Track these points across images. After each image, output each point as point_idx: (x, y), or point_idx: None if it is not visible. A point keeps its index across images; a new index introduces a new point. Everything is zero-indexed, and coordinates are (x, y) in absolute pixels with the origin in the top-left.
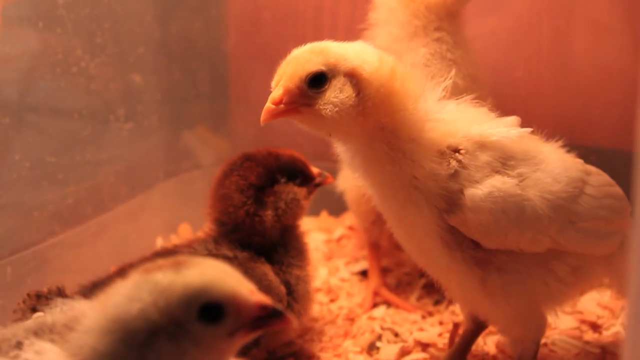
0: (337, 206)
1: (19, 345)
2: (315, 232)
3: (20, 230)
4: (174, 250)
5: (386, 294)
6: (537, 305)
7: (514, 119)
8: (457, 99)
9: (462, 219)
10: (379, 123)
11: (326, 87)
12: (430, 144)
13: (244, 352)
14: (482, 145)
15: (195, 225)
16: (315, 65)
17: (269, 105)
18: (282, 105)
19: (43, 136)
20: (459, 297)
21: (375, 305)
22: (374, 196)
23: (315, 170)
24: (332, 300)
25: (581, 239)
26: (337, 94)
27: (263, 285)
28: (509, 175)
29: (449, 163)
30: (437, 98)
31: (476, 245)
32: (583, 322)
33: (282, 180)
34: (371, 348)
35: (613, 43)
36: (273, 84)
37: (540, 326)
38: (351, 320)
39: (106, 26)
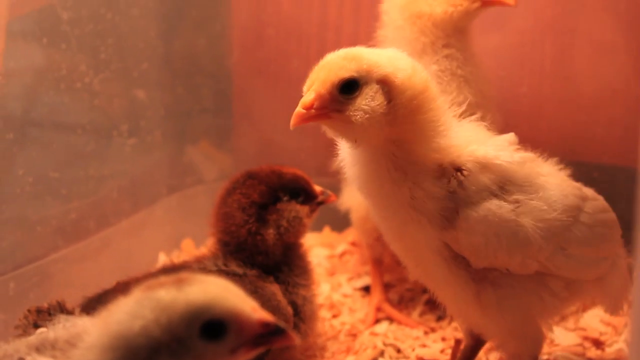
0: (339, 222)
1: None
2: (318, 247)
3: (23, 245)
4: (182, 266)
5: (388, 309)
6: (532, 319)
7: (511, 136)
8: (466, 117)
9: (454, 237)
10: (398, 135)
11: (357, 93)
12: (433, 163)
13: None
14: (485, 167)
15: (198, 240)
16: (348, 71)
17: (299, 109)
18: (312, 110)
19: (46, 151)
20: (456, 311)
21: (377, 321)
22: (373, 213)
23: (318, 188)
24: (334, 316)
25: (570, 264)
26: (368, 102)
27: (272, 305)
28: (505, 200)
29: (449, 181)
30: (451, 115)
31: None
32: (586, 338)
33: (285, 198)
34: None
35: (615, 61)
36: (305, 88)
37: (537, 340)
38: (353, 336)
39: (110, 42)
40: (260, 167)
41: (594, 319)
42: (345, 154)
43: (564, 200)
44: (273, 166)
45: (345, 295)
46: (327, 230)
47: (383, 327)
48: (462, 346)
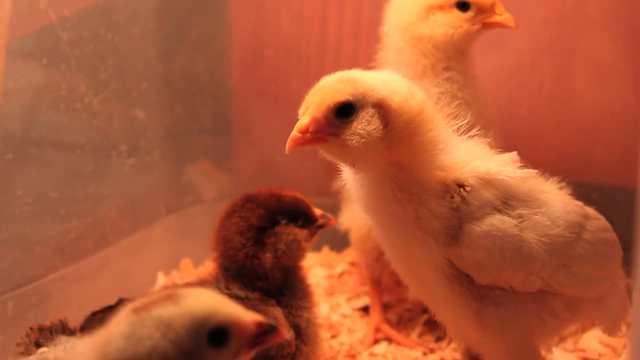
0: (338, 242)
1: None
2: (317, 267)
3: (22, 265)
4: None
5: (387, 330)
6: (531, 340)
7: (514, 155)
8: (467, 136)
9: (458, 253)
10: (398, 158)
11: (353, 117)
12: (437, 182)
13: None
14: (488, 183)
15: (197, 260)
16: (343, 95)
17: (295, 133)
18: (308, 134)
19: (46, 171)
20: (456, 330)
21: (376, 341)
22: (377, 234)
23: (318, 211)
24: (333, 337)
25: (573, 282)
26: (364, 126)
27: None
28: (509, 215)
29: (452, 197)
30: (451, 132)
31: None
32: None
33: (283, 221)
34: None
35: (614, 82)
36: (300, 112)
37: None
38: (352, 356)
39: (110, 62)
40: (260, 190)
41: (593, 340)
42: (349, 176)
43: (566, 217)
44: (273, 189)
45: (344, 316)
46: (326, 250)
47: (382, 347)
48: None
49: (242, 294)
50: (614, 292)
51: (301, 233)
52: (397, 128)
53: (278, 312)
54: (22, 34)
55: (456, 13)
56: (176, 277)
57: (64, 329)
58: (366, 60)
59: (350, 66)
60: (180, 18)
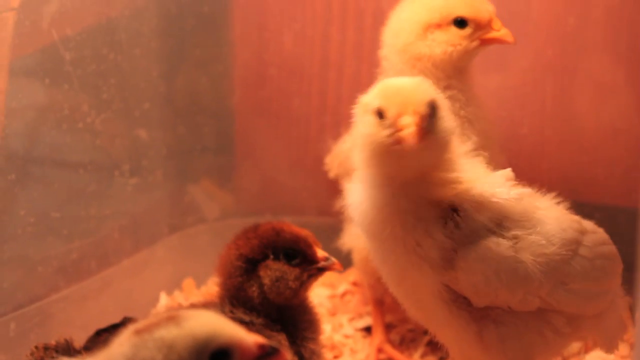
0: (341, 262)
1: None
2: (319, 287)
3: (24, 285)
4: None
5: (390, 350)
6: (533, 357)
7: (508, 172)
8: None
9: (454, 277)
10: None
11: (436, 116)
12: (439, 205)
13: None
14: (481, 206)
15: (200, 280)
16: (430, 94)
17: (413, 129)
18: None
19: (48, 191)
20: (458, 353)
21: None
22: (373, 256)
23: (321, 254)
24: (335, 357)
25: (572, 299)
26: (446, 124)
27: None
28: (503, 237)
29: (446, 222)
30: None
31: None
32: None
33: (271, 256)
34: None
35: (616, 101)
36: (393, 113)
37: None
38: None
39: (112, 82)
40: (269, 222)
41: None
42: (356, 193)
43: (562, 235)
44: (282, 223)
45: (346, 336)
46: None
47: None
48: None
49: (246, 318)
50: (613, 308)
51: (291, 272)
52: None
53: (283, 337)
54: (24, 54)
55: (454, 30)
56: (179, 297)
57: (69, 348)
58: (368, 80)
59: (352, 86)
60: (183, 37)
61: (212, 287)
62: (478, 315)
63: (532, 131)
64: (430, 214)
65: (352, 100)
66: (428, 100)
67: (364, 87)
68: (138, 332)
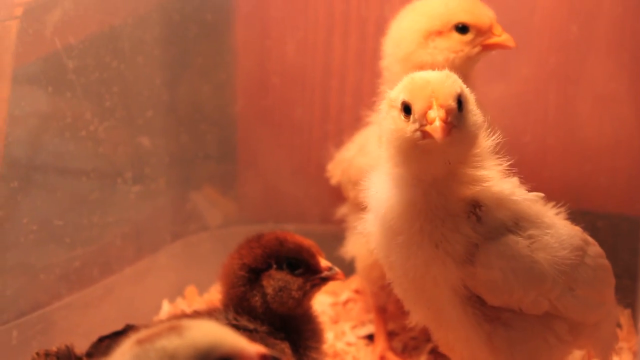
0: (343, 269)
1: None
2: (322, 295)
3: (27, 293)
4: (193, 317)
5: (392, 358)
6: None
7: (516, 180)
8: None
9: (472, 273)
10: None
11: (464, 109)
12: (463, 201)
13: None
14: (500, 204)
15: (202, 287)
16: (457, 87)
17: (440, 123)
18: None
19: (51, 199)
20: (467, 354)
21: None
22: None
23: (324, 263)
24: None
25: (576, 306)
26: (474, 118)
27: None
28: (521, 236)
29: (469, 217)
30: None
31: (484, 300)
32: None
33: (275, 266)
34: None
35: (619, 110)
36: (420, 107)
37: None
38: None
39: (115, 90)
40: (272, 232)
41: None
42: (381, 188)
43: (571, 240)
44: (285, 232)
45: (349, 344)
46: None
47: None
48: None
49: (251, 325)
50: (608, 318)
51: (294, 281)
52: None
53: (286, 346)
54: (27, 62)
55: (455, 37)
56: (181, 304)
57: (70, 355)
58: (370, 88)
59: (354, 94)
60: (186, 46)
61: (214, 295)
62: (490, 316)
63: (534, 139)
64: (458, 209)
65: (354, 108)
66: (455, 93)
67: (366, 95)
68: (140, 342)
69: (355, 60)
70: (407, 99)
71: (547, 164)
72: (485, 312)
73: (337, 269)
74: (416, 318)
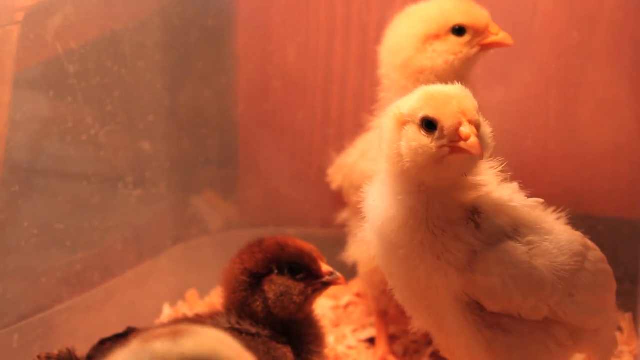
0: (344, 273)
1: None
2: (323, 298)
3: (28, 297)
4: (195, 320)
5: None
6: None
7: (515, 186)
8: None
9: (471, 280)
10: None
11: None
12: (462, 208)
13: None
14: (500, 210)
15: (203, 291)
16: (474, 100)
17: (476, 139)
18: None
19: (52, 203)
20: (467, 359)
21: None
22: (388, 261)
23: (326, 268)
24: None
25: (576, 311)
26: (486, 128)
27: None
28: (520, 242)
29: (467, 224)
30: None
31: (484, 307)
32: None
33: (276, 271)
34: None
35: (620, 115)
36: (451, 122)
37: None
38: None
39: (116, 94)
40: (273, 236)
41: None
42: (379, 199)
43: (570, 246)
44: (287, 237)
45: (350, 347)
46: None
47: None
48: None
49: (253, 330)
50: (608, 324)
51: (295, 286)
52: None
53: (288, 350)
54: (28, 66)
55: (453, 39)
56: (182, 308)
57: (72, 358)
58: (371, 92)
59: (355, 98)
60: (187, 50)
61: (215, 298)
62: (490, 322)
63: (535, 144)
64: (459, 217)
65: (355, 112)
66: (477, 107)
67: (367, 99)
68: (141, 340)
69: (356, 64)
70: (431, 114)
71: (548, 169)
72: (485, 318)
73: (338, 274)
74: (417, 324)
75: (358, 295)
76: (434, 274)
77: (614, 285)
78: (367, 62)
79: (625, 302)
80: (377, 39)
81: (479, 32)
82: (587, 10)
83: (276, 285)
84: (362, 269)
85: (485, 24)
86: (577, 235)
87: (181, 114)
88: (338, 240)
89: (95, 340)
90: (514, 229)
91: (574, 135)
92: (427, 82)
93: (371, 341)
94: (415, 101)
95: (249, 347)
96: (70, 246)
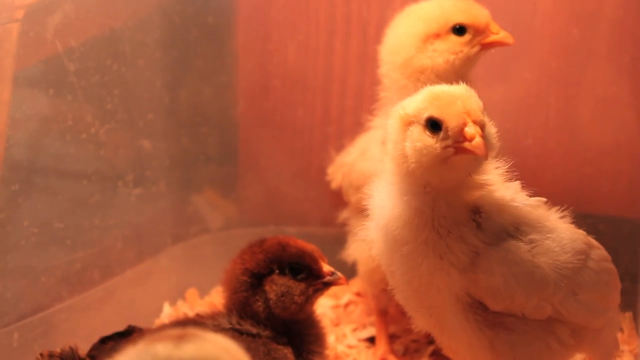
0: (344, 272)
1: None
2: (323, 297)
3: (28, 296)
4: (195, 320)
5: None
6: None
7: (517, 185)
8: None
9: (473, 279)
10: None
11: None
12: (466, 208)
13: None
14: (501, 209)
15: (203, 290)
16: (479, 100)
17: (481, 139)
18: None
19: (52, 202)
20: (469, 358)
21: None
22: (390, 261)
23: (327, 268)
24: None
25: (580, 310)
26: (490, 128)
27: None
28: (522, 241)
29: (469, 224)
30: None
31: (486, 306)
32: None
33: (277, 271)
34: None
35: (620, 113)
36: (456, 122)
37: None
38: None
39: (116, 93)
40: (274, 236)
41: None
42: (384, 198)
43: (573, 244)
44: (288, 237)
45: (350, 347)
46: None
47: None
48: None
49: (254, 330)
50: (611, 324)
51: (296, 286)
52: None
53: (289, 351)
54: (28, 65)
55: (453, 38)
56: (182, 307)
57: (74, 356)
58: (372, 91)
59: (355, 97)
60: (187, 48)
61: (215, 298)
62: (492, 322)
63: (536, 143)
64: (463, 217)
65: (355, 110)
66: (481, 107)
67: (367, 97)
68: (148, 340)
69: (356, 62)
70: (436, 115)
71: (549, 167)
72: (487, 317)
73: (339, 274)
74: (419, 324)
75: (358, 294)
76: (436, 273)
77: (618, 285)
78: (367, 61)
79: (625, 301)
80: (377, 37)
81: (479, 31)
82: (587, 8)
83: (277, 286)
84: (362, 268)
85: (486, 23)
86: (579, 234)
87: (181, 112)
88: (338, 239)
89: (95, 339)
90: (516, 227)
91: (574, 134)
92: (428, 81)
93: (371, 340)
94: (420, 101)
95: (250, 348)
96: (70, 245)
